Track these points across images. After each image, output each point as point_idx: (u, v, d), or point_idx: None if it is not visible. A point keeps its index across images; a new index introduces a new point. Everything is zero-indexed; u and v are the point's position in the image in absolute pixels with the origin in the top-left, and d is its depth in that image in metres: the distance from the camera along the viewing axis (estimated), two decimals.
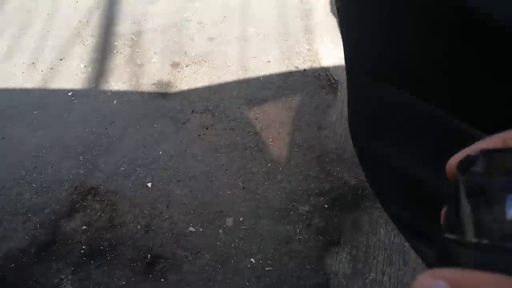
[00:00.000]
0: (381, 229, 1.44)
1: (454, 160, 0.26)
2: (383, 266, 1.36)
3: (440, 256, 0.24)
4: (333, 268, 1.36)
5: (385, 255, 1.38)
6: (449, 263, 0.22)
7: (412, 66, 0.50)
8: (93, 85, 1.84)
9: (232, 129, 1.67)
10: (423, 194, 0.58)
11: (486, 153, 0.23)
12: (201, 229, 1.42)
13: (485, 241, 0.21)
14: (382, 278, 1.34)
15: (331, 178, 1.54)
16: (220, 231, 1.43)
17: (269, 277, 1.33)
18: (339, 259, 1.38)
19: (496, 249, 0.20)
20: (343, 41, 0.66)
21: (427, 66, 0.48)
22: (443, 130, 0.51)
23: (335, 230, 1.43)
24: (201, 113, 1.72)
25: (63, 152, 1.61)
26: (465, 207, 0.22)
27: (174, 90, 1.80)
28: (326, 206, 1.48)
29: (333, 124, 1.68)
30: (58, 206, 1.47)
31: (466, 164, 0.24)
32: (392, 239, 1.42)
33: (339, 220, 1.45)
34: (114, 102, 1.77)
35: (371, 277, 1.34)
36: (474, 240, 0.21)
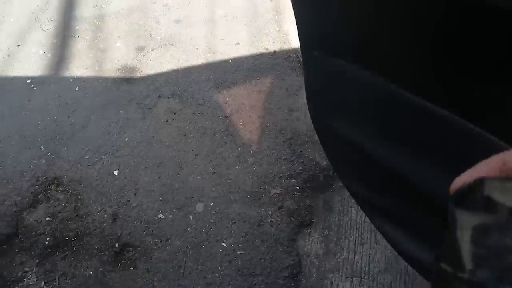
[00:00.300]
0: (353, 208, 1.46)
1: (454, 185, 0.26)
2: (354, 245, 1.39)
3: (437, 281, 0.24)
4: (305, 249, 1.39)
5: (357, 234, 1.41)
6: None
7: (375, 44, 0.50)
8: (53, 72, 1.78)
9: (201, 113, 1.65)
10: (382, 172, 0.59)
11: (483, 184, 0.23)
12: (170, 216, 1.42)
13: (479, 278, 0.21)
14: (354, 257, 1.37)
15: (302, 160, 1.55)
16: (191, 217, 1.42)
17: (242, 260, 1.34)
18: (311, 240, 1.41)
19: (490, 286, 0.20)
20: (297, 17, 0.65)
21: (391, 43, 0.48)
22: (403, 108, 0.51)
23: (307, 212, 1.45)
24: (168, 98, 1.69)
25: (23, 142, 1.56)
26: (462, 241, 0.22)
27: (139, 75, 1.76)
28: (298, 188, 1.49)
29: (304, 106, 1.69)
30: (19, 198, 1.43)
31: (462, 196, 0.24)
32: (363, 218, 1.45)
33: (311, 202, 1.47)
34: (76, 89, 1.72)
35: (343, 256, 1.37)
36: (468, 276, 0.22)
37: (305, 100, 1.71)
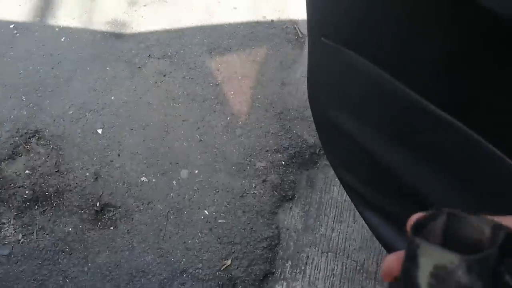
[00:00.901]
0: (335, 187, 1.52)
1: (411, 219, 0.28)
2: (333, 222, 1.46)
3: None
4: (285, 223, 1.45)
5: (336, 212, 1.48)
6: None
7: (385, 40, 0.52)
8: (38, 19, 1.72)
9: (192, 78, 1.65)
10: (370, 162, 0.62)
11: (441, 216, 0.24)
12: (154, 180, 1.44)
13: None
14: (332, 233, 1.44)
15: (290, 136, 1.59)
16: (174, 182, 1.45)
17: (222, 229, 1.40)
18: (291, 214, 1.47)
19: None
20: (308, 1, 0.65)
21: (401, 42, 0.50)
22: (402, 104, 0.53)
23: (290, 187, 1.50)
24: (158, 58, 1.68)
25: (4, 91, 1.53)
26: (421, 270, 0.23)
27: (130, 31, 1.73)
28: (283, 163, 1.54)
29: (297, 81, 1.71)
30: None
31: (421, 226, 0.25)
32: (344, 197, 1.51)
33: (295, 177, 1.52)
34: (62, 40, 1.68)
35: (321, 232, 1.44)
36: None
37: (298, 75, 1.73)
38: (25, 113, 1.50)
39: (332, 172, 1.57)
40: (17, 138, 1.45)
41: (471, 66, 0.43)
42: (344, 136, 0.64)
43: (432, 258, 0.23)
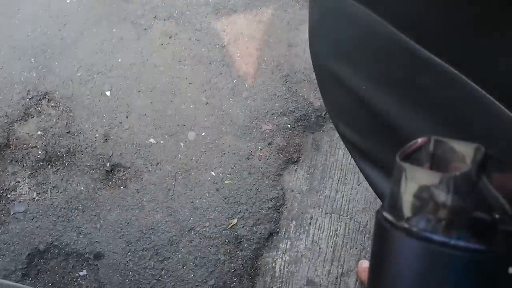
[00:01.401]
0: (340, 150, 1.56)
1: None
2: (337, 184, 1.50)
3: (376, 229, 0.26)
4: (290, 184, 1.50)
5: (341, 175, 1.52)
6: (379, 238, 0.25)
7: None
8: None
9: (198, 40, 1.66)
10: (371, 116, 0.63)
11: (429, 142, 0.25)
12: (162, 141, 1.49)
13: (412, 225, 0.22)
14: (336, 195, 1.49)
15: (296, 99, 1.61)
16: (181, 144, 1.50)
17: (228, 189, 1.45)
18: (296, 176, 1.51)
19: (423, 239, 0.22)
20: None
21: None
22: (404, 55, 0.54)
23: (295, 149, 1.54)
24: (164, 20, 1.68)
25: (13, 53, 1.56)
26: (405, 192, 0.24)
27: None
28: (289, 126, 1.57)
29: (304, 42, 1.70)
30: (10, 110, 1.47)
31: (409, 152, 0.25)
32: (349, 160, 1.55)
33: (300, 140, 1.55)
34: (68, 1, 1.68)
35: (325, 194, 1.49)
36: (405, 225, 0.23)
37: (306, 36, 1.71)
38: (34, 75, 1.54)
39: (337, 135, 1.59)
40: (28, 99, 1.49)
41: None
42: (342, 87, 0.65)
43: (416, 179, 0.24)
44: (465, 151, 0.24)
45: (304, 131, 1.57)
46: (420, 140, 0.26)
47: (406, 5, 0.52)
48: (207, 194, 1.44)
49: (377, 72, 0.59)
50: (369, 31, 0.57)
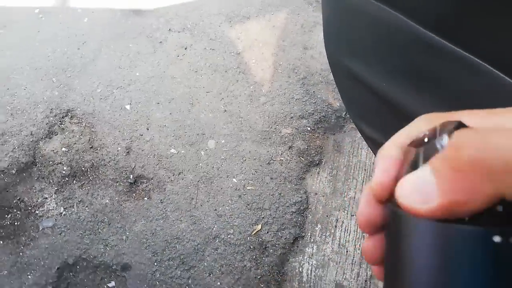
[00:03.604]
0: (362, 150, 1.56)
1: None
2: (362, 185, 1.50)
3: (390, 219, 0.25)
4: (313, 187, 1.51)
5: (365, 175, 1.52)
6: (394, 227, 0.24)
7: None
8: (61, 2, 1.82)
9: (213, 49, 1.71)
10: (392, 112, 0.64)
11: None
12: (182, 151, 1.53)
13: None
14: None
15: (314, 101, 1.63)
16: (202, 153, 1.54)
17: (251, 195, 1.48)
18: (319, 179, 1.52)
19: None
20: None
21: None
22: (422, 49, 0.53)
23: (317, 152, 1.55)
24: (179, 32, 1.74)
25: (35, 74, 1.65)
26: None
27: (148, 7, 1.80)
28: (309, 128, 1.58)
29: (319, 44, 1.73)
30: (35, 129, 1.55)
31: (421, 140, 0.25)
32: (372, 160, 1.55)
33: (321, 142, 1.57)
34: (85, 20, 1.77)
35: (350, 195, 1.49)
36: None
37: (320, 38, 1.74)
38: (56, 93, 1.62)
39: (359, 135, 1.60)
40: (51, 118, 1.57)
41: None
42: (361, 86, 0.65)
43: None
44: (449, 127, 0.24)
45: (324, 133, 1.58)
46: (435, 127, 0.25)
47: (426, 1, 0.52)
48: (230, 201, 1.47)
49: (395, 67, 0.59)
50: (384, 25, 0.57)
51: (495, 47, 0.47)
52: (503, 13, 0.45)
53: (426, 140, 0.25)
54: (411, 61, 0.57)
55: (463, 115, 0.26)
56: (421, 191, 0.22)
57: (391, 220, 0.25)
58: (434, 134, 0.25)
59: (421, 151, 0.25)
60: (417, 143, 0.25)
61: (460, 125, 0.24)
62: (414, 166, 0.24)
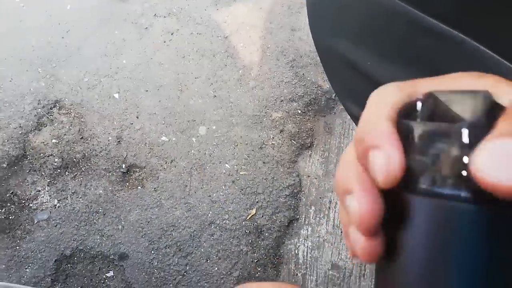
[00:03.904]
0: (353, 131, 1.57)
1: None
2: None
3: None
4: (305, 170, 1.52)
5: None
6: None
7: None
8: None
9: (200, 33, 1.68)
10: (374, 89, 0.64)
11: (430, 98, 0.24)
12: (174, 138, 1.53)
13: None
14: None
15: (304, 83, 1.62)
16: (193, 139, 1.53)
17: (244, 180, 1.49)
18: (311, 161, 1.53)
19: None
20: None
21: None
22: (408, 26, 0.53)
23: (308, 135, 1.56)
24: (164, 17, 1.70)
25: (20, 65, 1.62)
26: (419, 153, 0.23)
27: None
28: (299, 111, 1.59)
29: (307, 25, 1.71)
30: (24, 121, 1.53)
31: (408, 110, 0.24)
32: None
33: (312, 125, 1.57)
34: (68, 8, 1.72)
35: None
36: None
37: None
38: (43, 84, 1.59)
39: (349, 116, 1.60)
40: (39, 109, 1.55)
41: None
42: (347, 65, 0.65)
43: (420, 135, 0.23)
44: (471, 102, 0.22)
45: (315, 115, 1.58)
46: (419, 97, 0.24)
47: None
48: (223, 187, 1.48)
49: (381, 46, 0.59)
50: (369, 4, 0.57)
51: (497, 35, 0.47)
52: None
53: (419, 111, 0.24)
54: (398, 40, 0.57)
55: (420, 83, 0.26)
56: (507, 164, 0.19)
57: (419, 211, 0.23)
58: (415, 106, 0.24)
59: (429, 126, 0.23)
60: (410, 115, 0.24)
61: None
62: (426, 141, 0.23)
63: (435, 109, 0.23)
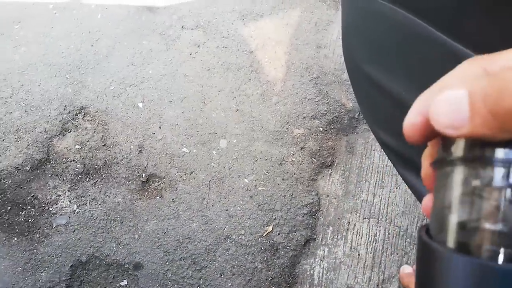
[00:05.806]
0: (375, 152, 1.52)
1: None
2: (374, 188, 1.47)
3: (420, 247, 0.24)
4: (325, 189, 1.48)
5: (378, 178, 1.49)
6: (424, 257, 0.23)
7: None
8: None
9: (226, 47, 1.67)
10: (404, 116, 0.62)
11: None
12: (194, 150, 1.51)
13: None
14: (373, 199, 1.46)
15: (327, 101, 1.59)
16: (214, 152, 1.51)
17: (262, 196, 1.45)
18: (331, 180, 1.49)
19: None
20: None
21: None
22: (444, 55, 0.52)
23: (329, 153, 1.52)
24: (191, 29, 1.70)
25: (49, 70, 1.63)
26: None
27: (162, 4, 1.76)
28: (321, 129, 1.55)
29: (333, 43, 1.68)
30: (49, 125, 1.53)
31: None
32: (385, 162, 1.51)
33: (334, 143, 1.53)
34: (99, 17, 1.74)
35: (362, 198, 1.46)
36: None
37: (334, 37, 1.70)
38: (70, 90, 1.60)
39: (373, 136, 1.56)
40: (65, 115, 1.55)
41: None
42: (380, 92, 0.64)
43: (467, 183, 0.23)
44: None
45: (337, 134, 1.55)
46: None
47: (442, 1, 0.50)
48: (241, 202, 1.45)
49: (417, 75, 0.58)
50: (406, 31, 0.55)
51: None
52: None
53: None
54: (435, 70, 0.55)
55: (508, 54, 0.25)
56: (454, 116, 0.23)
57: (424, 252, 0.24)
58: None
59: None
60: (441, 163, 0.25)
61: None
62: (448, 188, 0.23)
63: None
